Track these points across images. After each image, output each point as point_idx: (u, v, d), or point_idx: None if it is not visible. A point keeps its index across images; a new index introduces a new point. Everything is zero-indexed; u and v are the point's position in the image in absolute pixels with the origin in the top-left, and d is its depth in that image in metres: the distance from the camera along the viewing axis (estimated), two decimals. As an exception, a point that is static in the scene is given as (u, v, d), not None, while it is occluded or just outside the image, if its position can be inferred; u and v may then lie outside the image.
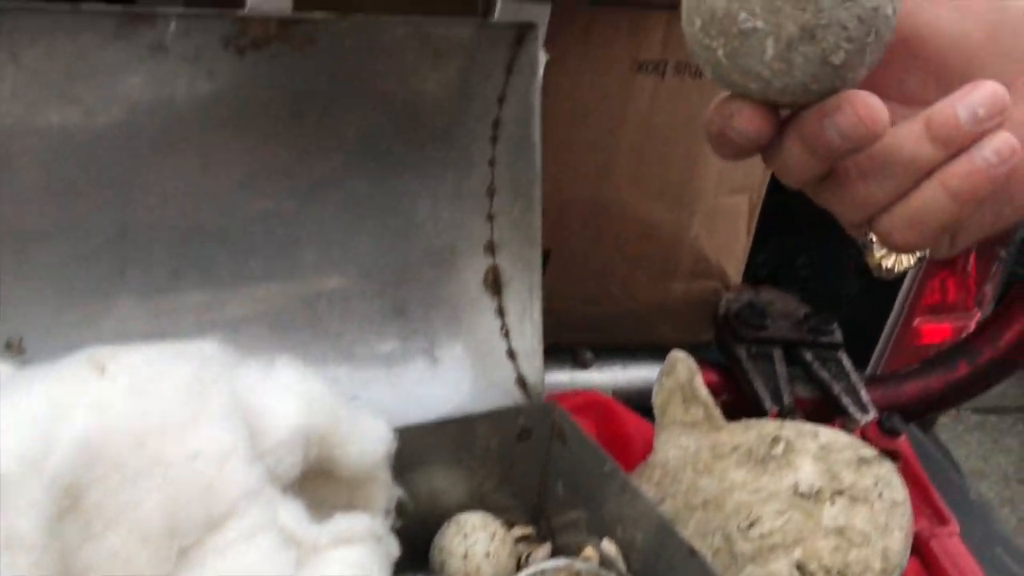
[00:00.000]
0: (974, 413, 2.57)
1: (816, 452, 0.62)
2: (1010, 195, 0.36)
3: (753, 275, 1.05)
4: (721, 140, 0.36)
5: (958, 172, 0.34)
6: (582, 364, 0.81)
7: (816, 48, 0.33)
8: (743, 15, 0.33)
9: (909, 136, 0.34)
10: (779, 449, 0.63)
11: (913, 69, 0.37)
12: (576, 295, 0.86)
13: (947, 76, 0.35)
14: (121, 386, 0.42)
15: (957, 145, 0.34)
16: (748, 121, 0.35)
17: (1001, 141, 0.33)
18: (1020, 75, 0.36)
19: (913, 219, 0.35)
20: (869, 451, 0.62)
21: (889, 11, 0.33)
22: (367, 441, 0.49)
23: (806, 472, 0.61)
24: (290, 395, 0.47)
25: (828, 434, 0.64)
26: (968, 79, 0.35)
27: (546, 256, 0.84)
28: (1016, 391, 2.68)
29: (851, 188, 0.36)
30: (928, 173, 0.34)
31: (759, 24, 0.33)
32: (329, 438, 0.48)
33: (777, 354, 0.83)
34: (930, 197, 0.34)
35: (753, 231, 0.91)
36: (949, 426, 2.50)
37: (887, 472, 0.61)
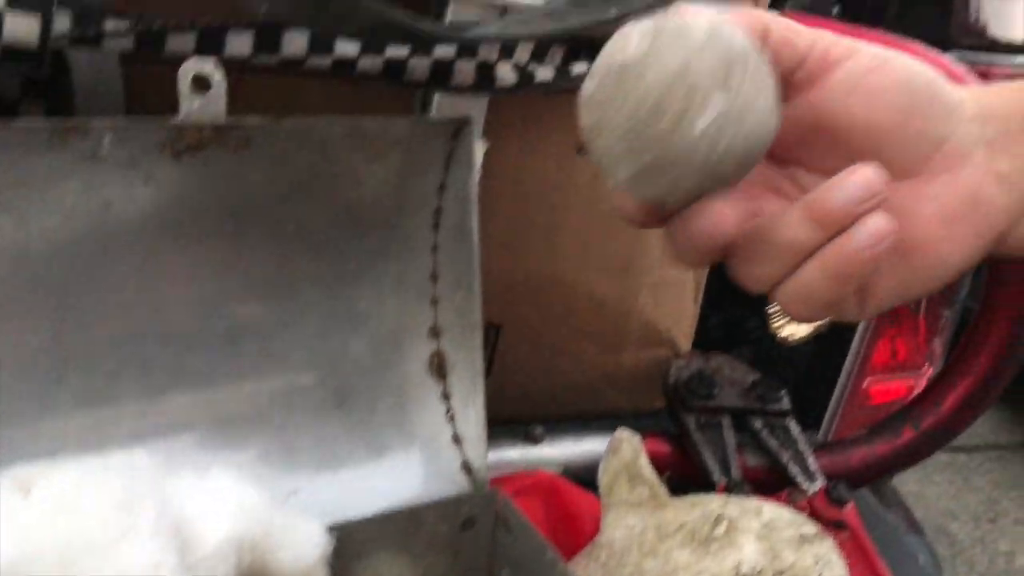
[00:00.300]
0: (943, 452, 2.58)
1: (759, 531, 0.63)
2: (914, 269, 0.39)
3: (706, 338, 1.07)
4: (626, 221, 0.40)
5: (834, 254, 0.36)
6: (533, 440, 0.81)
7: (664, 178, 0.36)
8: (599, 143, 0.37)
9: (790, 221, 0.36)
10: (722, 529, 0.64)
11: (832, 151, 0.39)
12: (527, 368, 0.87)
13: (863, 157, 0.37)
14: (47, 507, 0.42)
15: (835, 227, 0.36)
16: (633, 213, 0.39)
17: (874, 225, 0.35)
18: (933, 153, 0.38)
19: (799, 296, 0.37)
20: (810, 528, 0.63)
21: (739, 143, 0.35)
22: (301, 545, 0.49)
23: (748, 552, 0.62)
24: (222, 503, 0.47)
25: (771, 511, 0.65)
26: (882, 159, 0.37)
27: (497, 331, 0.85)
28: (984, 429, 2.71)
29: (742, 268, 0.38)
30: (810, 253, 0.36)
31: (614, 158, 0.36)
32: (262, 544, 0.48)
33: (726, 423, 0.84)
34: (811, 277, 0.36)
35: (700, 299, 0.92)
36: (918, 467, 2.52)
37: (827, 550, 0.62)
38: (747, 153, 0.36)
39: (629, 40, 0.35)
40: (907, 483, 2.46)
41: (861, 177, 0.35)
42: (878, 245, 0.35)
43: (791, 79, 0.38)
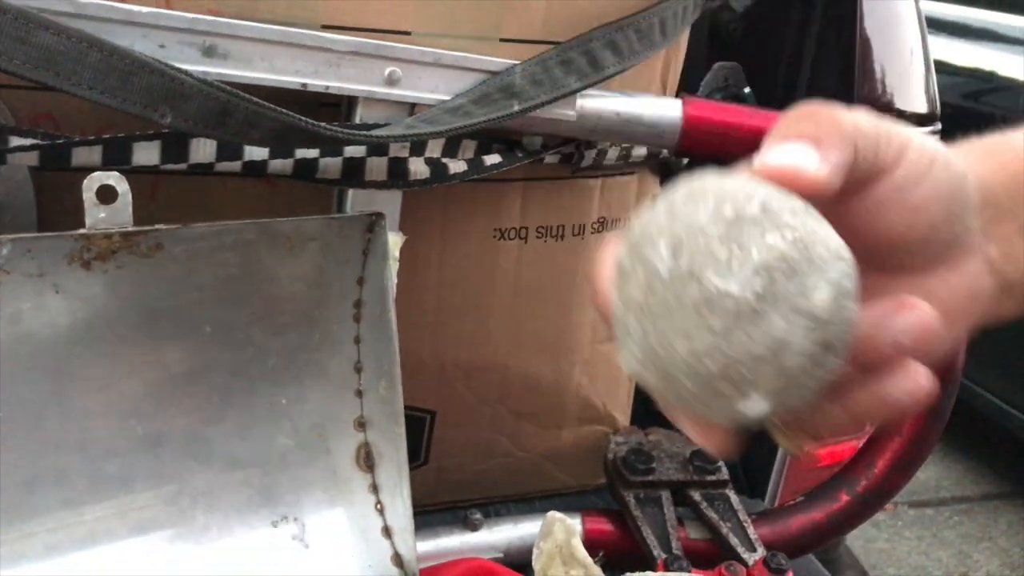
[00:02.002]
0: (911, 508, 2.59)
1: (692, 608, 0.63)
2: None
3: (649, 410, 1.07)
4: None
5: (865, 403, 0.32)
6: (471, 527, 0.81)
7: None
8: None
9: None
10: (654, 609, 0.64)
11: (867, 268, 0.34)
12: (465, 452, 0.87)
13: (877, 261, 0.35)
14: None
15: (874, 368, 0.32)
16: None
17: (916, 384, 0.31)
18: (946, 251, 0.36)
19: (814, 426, 0.34)
20: (742, 604, 0.63)
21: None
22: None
23: (680, 631, 0.62)
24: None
25: (704, 588, 0.65)
26: (895, 262, 0.35)
27: (432, 417, 0.85)
28: (950, 482, 2.72)
29: None
30: (837, 389, 0.32)
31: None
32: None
33: (665, 497, 0.84)
34: (833, 415, 0.33)
35: (635, 374, 0.93)
36: (887, 522, 2.51)
37: (758, 625, 0.62)
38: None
39: (740, 260, 0.27)
40: (877, 541, 2.46)
41: (916, 320, 0.31)
42: (917, 403, 0.31)
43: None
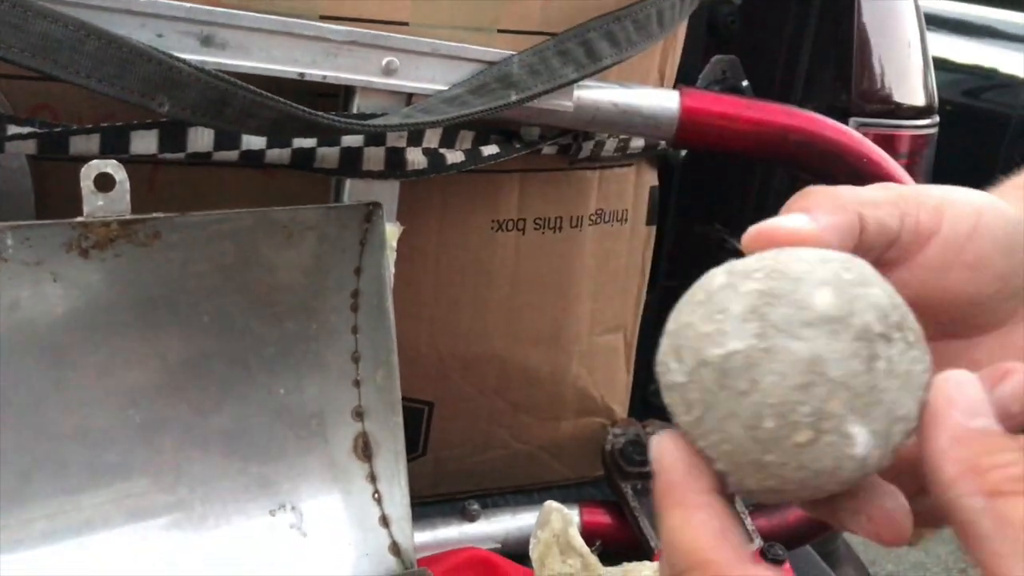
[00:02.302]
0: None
1: (687, 597, 0.63)
2: None
3: (647, 404, 1.08)
4: None
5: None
6: (470, 518, 0.81)
7: (802, 490, 0.28)
8: (704, 444, 0.28)
9: (934, 450, 0.28)
10: (651, 597, 0.64)
11: (931, 328, 0.32)
12: (464, 443, 0.87)
13: (956, 326, 0.34)
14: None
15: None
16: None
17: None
18: (1019, 305, 0.34)
19: (931, 515, 0.31)
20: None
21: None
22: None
23: (677, 620, 0.62)
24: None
25: (700, 576, 0.65)
26: (982, 326, 0.34)
27: (430, 408, 0.85)
28: (949, 478, 2.72)
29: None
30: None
31: (733, 466, 0.28)
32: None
33: (663, 488, 0.84)
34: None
35: (632, 366, 0.93)
36: (887, 519, 2.52)
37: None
38: (898, 442, 0.28)
39: (726, 320, 0.27)
40: (876, 537, 2.46)
41: (1021, 382, 0.29)
42: None
43: (881, 259, 0.32)
